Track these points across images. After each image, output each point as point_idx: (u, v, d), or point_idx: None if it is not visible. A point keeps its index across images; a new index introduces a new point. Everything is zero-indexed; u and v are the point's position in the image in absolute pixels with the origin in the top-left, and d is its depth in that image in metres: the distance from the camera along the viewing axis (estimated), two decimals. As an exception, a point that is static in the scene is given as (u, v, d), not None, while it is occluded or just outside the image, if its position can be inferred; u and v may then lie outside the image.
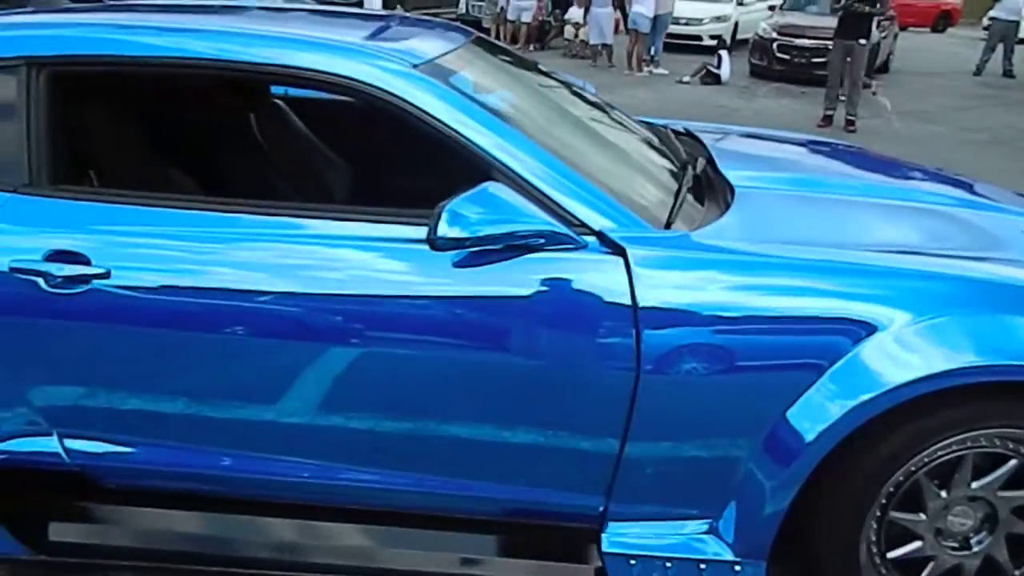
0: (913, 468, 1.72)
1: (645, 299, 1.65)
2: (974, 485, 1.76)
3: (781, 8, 13.25)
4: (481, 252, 1.65)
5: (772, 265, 1.72)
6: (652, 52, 12.03)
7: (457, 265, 1.68)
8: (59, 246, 1.76)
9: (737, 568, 1.76)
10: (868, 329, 1.65)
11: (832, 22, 10.93)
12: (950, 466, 1.74)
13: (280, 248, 1.75)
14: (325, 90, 1.85)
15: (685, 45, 13.46)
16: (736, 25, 14.63)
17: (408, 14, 4.17)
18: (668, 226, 1.82)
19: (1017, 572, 1.81)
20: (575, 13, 13.46)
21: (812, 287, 1.69)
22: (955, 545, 1.81)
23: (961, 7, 21.80)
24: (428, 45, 2.04)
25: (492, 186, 1.65)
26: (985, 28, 16.59)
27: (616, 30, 12.45)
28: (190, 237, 1.77)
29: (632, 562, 1.79)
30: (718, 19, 14.34)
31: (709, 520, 1.81)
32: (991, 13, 13.74)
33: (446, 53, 2.03)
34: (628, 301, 1.67)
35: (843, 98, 8.41)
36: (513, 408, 1.77)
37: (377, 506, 1.92)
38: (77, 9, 2.11)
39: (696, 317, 1.66)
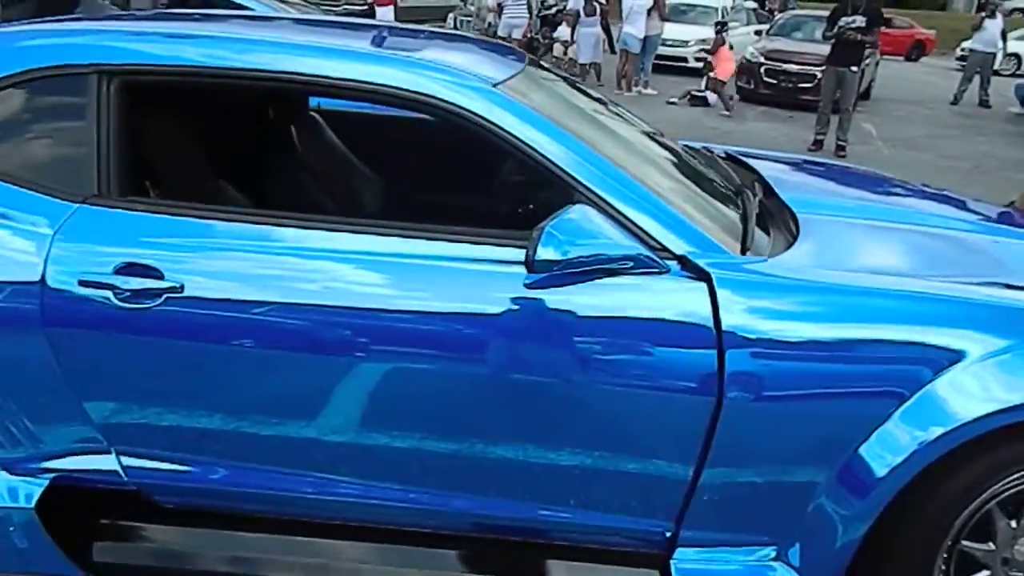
0: (986, 499, 1.74)
1: (730, 324, 1.66)
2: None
3: (768, 33, 13.48)
4: (568, 274, 1.64)
5: (855, 292, 1.73)
6: (641, 72, 12.16)
7: (542, 286, 1.67)
8: (131, 259, 1.72)
9: None
10: (950, 358, 1.67)
11: (818, 48, 11.23)
12: (1020, 496, 1.76)
13: (359, 265, 1.73)
14: (401, 107, 1.83)
15: (670, 66, 13.63)
16: (720, 48, 14.84)
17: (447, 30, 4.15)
18: (743, 252, 1.84)
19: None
20: (563, 32, 13.57)
21: (896, 315, 1.70)
22: (1021, 574, 1.83)
23: (935, 38, 22.36)
24: (498, 65, 2.04)
25: (582, 209, 1.64)
26: (959, 59, 17.10)
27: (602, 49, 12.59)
28: (266, 252, 1.74)
29: None
30: (703, 41, 14.52)
31: (778, 547, 1.81)
32: (967, 44, 14.13)
33: (516, 73, 2.03)
34: (711, 326, 1.67)
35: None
36: (589, 431, 1.76)
37: (443, 529, 1.89)
38: (141, 16, 2.07)
39: (781, 344, 1.67)
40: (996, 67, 13.65)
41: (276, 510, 1.88)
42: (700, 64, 13.53)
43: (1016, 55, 18.50)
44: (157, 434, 1.82)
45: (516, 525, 1.87)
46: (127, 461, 1.84)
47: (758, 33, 14.58)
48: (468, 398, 1.73)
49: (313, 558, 1.87)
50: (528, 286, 1.67)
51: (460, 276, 1.71)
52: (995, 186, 7.55)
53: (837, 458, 1.71)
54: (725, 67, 11.35)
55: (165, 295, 1.71)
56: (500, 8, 13.98)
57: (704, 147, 2.78)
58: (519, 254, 1.68)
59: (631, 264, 1.66)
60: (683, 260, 1.72)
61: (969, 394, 1.66)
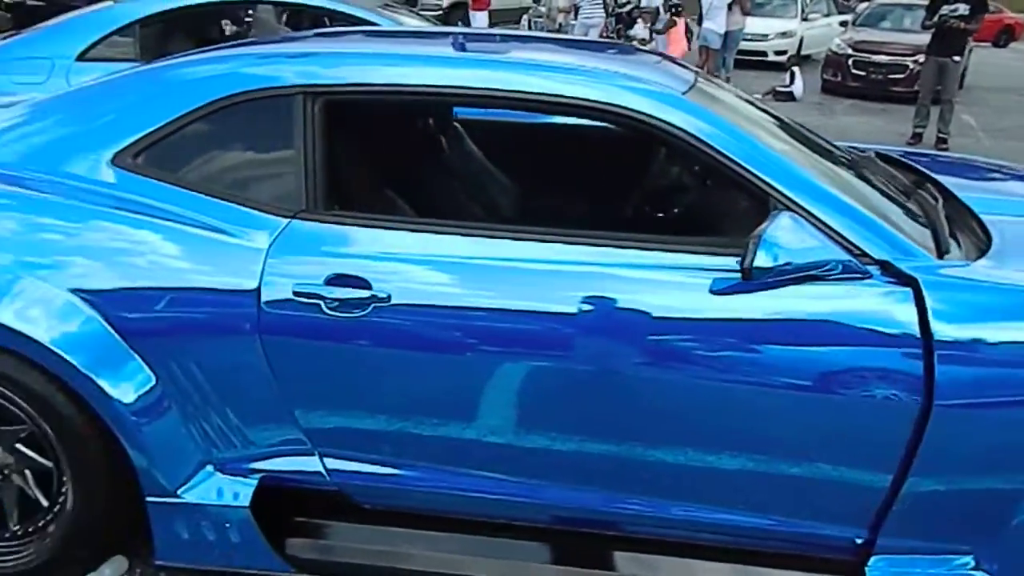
0: None
1: (941, 330, 1.64)
2: None
3: (854, 24, 13.12)
4: (780, 281, 1.65)
5: None
6: (723, 69, 11.98)
7: (754, 291, 1.68)
8: (340, 271, 1.80)
9: None
10: None
11: (909, 38, 10.90)
12: None
13: (566, 274, 1.77)
14: (589, 118, 1.87)
15: (749, 61, 13.39)
16: (801, 41, 14.53)
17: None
18: (939, 256, 1.81)
19: None
20: (640, 30, 13.46)
21: None
22: None
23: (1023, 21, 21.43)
24: (674, 72, 2.06)
25: (792, 217, 1.65)
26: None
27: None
28: (472, 264, 1.80)
29: None
30: (783, 35, 14.25)
31: (977, 556, 1.78)
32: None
33: (695, 81, 2.05)
34: (918, 332, 1.66)
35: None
36: (788, 437, 1.76)
37: (638, 533, 1.92)
38: (329, 36, 2.16)
39: (992, 348, 1.65)
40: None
41: (473, 511, 1.95)
42: (781, 58, 13.29)
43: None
44: (359, 437, 1.90)
45: (700, 529, 1.89)
46: (330, 463, 1.93)
47: (844, 24, 14.18)
48: (677, 404, 1.75)
49: (506, 559, 1.93)
50: (739, 292, 1.68)
51: (663, 284, 1.74)
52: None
53: None
54: (676, 48, 11.09)
55: (372, 304, 1.79)
56: (575, 8, 13.95)
57: (850, 147, 2.74)
58: (718, 261, 1.71)
59: (837, 270, 1.67)
60: (884, 265, 1.71)
61: None
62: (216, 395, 1.88)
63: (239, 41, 2.16)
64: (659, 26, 11.73)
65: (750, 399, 1.73)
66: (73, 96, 2.09)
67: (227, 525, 1.92)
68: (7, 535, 2.02)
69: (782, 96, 11.14)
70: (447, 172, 2.51)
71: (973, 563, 1.78)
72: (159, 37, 4.50)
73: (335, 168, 1.91)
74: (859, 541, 1.83)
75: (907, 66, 10.80)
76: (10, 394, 1.87)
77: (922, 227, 1.94)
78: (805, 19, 14.89)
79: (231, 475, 1.95)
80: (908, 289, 1.68)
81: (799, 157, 1.91)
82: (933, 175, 2.38)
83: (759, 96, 11.13)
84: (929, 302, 1.65)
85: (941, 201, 2.12)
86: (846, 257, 1.68)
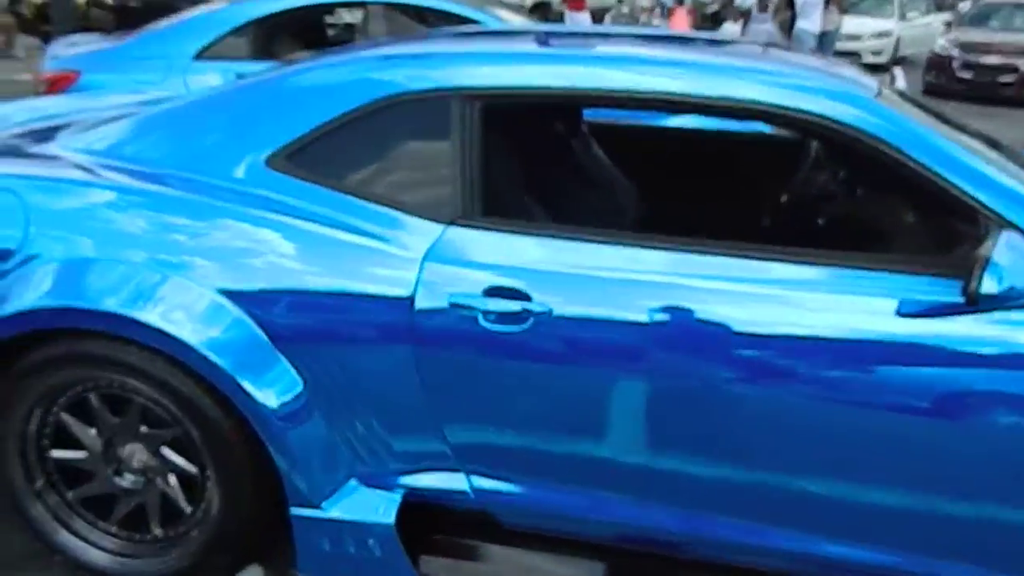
0: None
1: None
2: None
3: (961, 24, 12.51)
4: (1005, 307, 1.50)
5: None
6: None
7: (982, 318, 1.53)
8: (499, 282, 1.72)
9: None
10: None
11: (1020, 38, 10.33)
12: None
13: (743, 295, 1.64)
14: (770, 123, 1.74)
15: (844, 62, 12.91)
16: (898, 41, 13.94)
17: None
18: None
19: None
20: (730, 29, 13.13)
21: None
22: None
23: None
24: (856, 74, 1.92)
25: (1015, 236, 1.49)
26: None
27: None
28: (640, 281, 1.68)
29: None
30: (880, 35, 13.69)
31: None
32: None
33: (881, 85, 1.89)
34: None
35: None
36: (999, 476, 1.59)
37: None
38: (485, 36, 2.08)
39: None
40: None
41: (626, 541, 1.84)
42: (878, 59, 12.76)
43: None
44: (511, 456, 1.81)
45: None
46: (476, 481, 1.85)
47: (948, 24, 13.55)
48: (876, 440, 1.60)
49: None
50: (966, 317, 1.53)
51: (861, 306, 1.60)
52: None
53: None
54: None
55: (533, 318, 1.70)
56: (661, 7, 13.71)
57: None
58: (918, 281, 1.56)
59: None
60: None
61: None
62: (363, 404, 1.82)
63: (388, 40, 2.09)
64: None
65: (960, 433, 1.57)
66: (225, 96, 2.06)
67: (370, 541, 1.86)
68: (148, 538, 2.01)
69: (881, 99, 10.69)
70: (586, 178, 2.40)
71: None
72: (273, 37, 4.55)
73: (492, 174, 1.83)
74: None
75: (1017, 67, 10.24)
76: (157, 396, 1.85)
77: None
78: (903, 18, 14.28)
79: (376, 489, 1.89)
80: None
81: (1008, 169, 1.74)
82: None
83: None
84: None
85: None
86: None
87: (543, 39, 2.14)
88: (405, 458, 1.86)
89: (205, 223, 1.84)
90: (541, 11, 13.98)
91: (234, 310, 1.79)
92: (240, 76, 4.22)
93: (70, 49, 4.68)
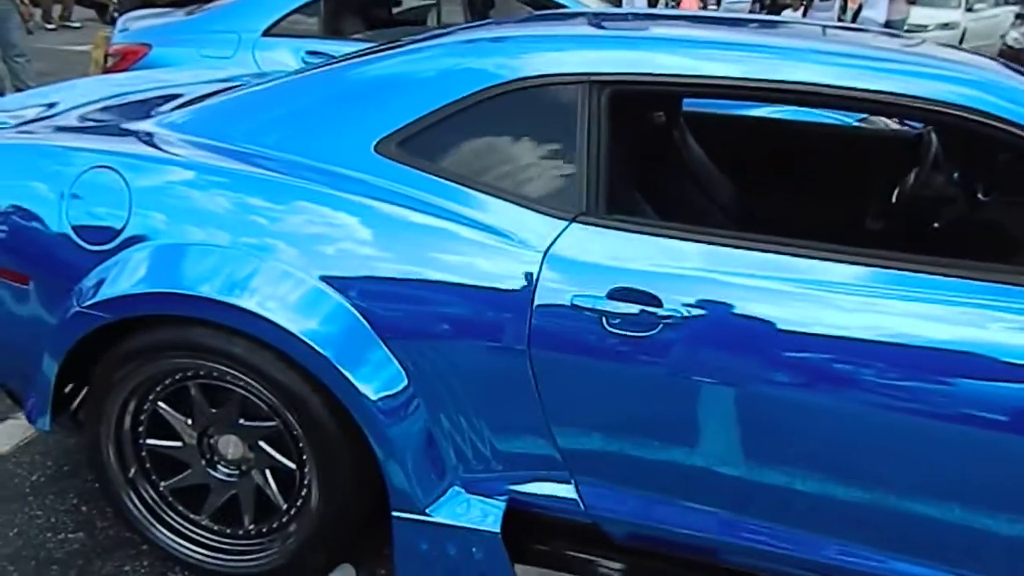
0: None
1: None
2: None
3: (1034, 15, 12.04)
4: None
5: None
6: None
7: None
8: (627, 284, 1.61)
9: None
10: None
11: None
12: None
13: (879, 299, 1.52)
14: (928, 121, 1.61)
15: (906, 54, 12.51)
16: (964, 32, 13.46)
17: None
18: None
19: None
20: (791, 16, 12.78)
21: None
22: None
23: None
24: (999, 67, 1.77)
25: None
26: None
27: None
28: (781, 287, 1.56)
29: None
30: (945, 26, 13.23)
31: None
32: None
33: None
34: None
35: None
36: None
37: None
38: (608, 18, 1.96)
39: None
40: None
41: (758, 568, 1.74)
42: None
43: None
44: (628, 467, 1.71)
45: None
46: (587, 491, 1.76)
47: (1019, 16, 13.05)
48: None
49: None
50: None
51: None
52: None
53: None
54: None
55: (663, 324, 1.59)
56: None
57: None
58: None
59: None
60: None
61: None
62: (470, 404, 1.73)
63: (508, 21, 1.98)
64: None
65: None
66: (328, 77, 1.96)
67: (473, 549, 1.78)
68: (240, 533, 1.95)
69: (947, 92, 10.31)
70: (689, 173, 2.28)
71: None
72: (340, 14, 4.47)
73: (618, 167, 1.72)
74: None
75: (1096, 64, 9.80)
76: (258, 387, 1.78)
77: None
78: (969, 9, 13.79)
79: (481, 495, 1.80)
80: None
81: None
82: None
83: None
84: None
85: None
86: None
87: (662, 23, 2.01)
88: (512, 462, 1.77)
89: (306, 206, 1.75)
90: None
91: (338, 299, 1.71)
92: (310, 53, 4.21)
93: (140, 22, 4.65)
